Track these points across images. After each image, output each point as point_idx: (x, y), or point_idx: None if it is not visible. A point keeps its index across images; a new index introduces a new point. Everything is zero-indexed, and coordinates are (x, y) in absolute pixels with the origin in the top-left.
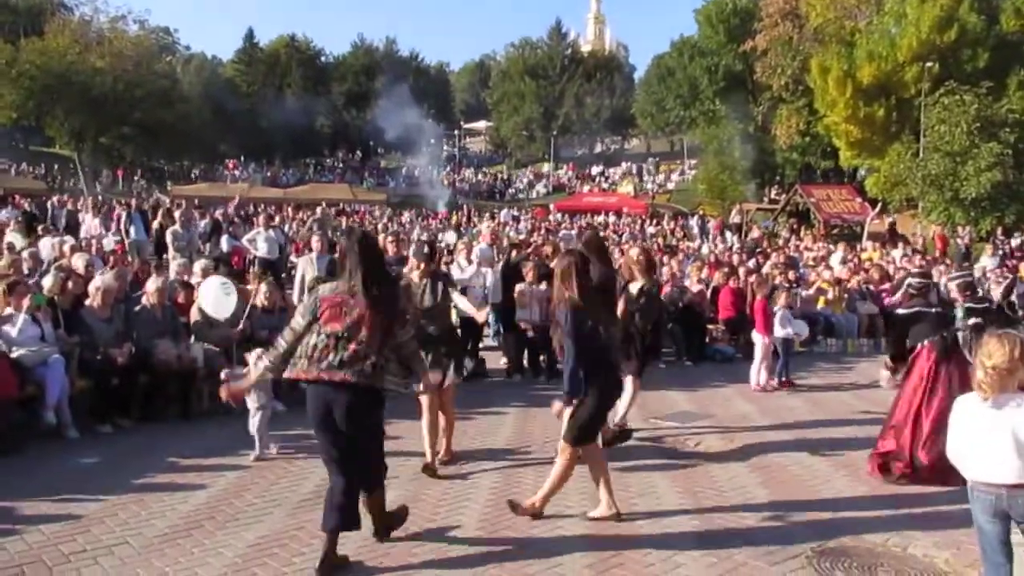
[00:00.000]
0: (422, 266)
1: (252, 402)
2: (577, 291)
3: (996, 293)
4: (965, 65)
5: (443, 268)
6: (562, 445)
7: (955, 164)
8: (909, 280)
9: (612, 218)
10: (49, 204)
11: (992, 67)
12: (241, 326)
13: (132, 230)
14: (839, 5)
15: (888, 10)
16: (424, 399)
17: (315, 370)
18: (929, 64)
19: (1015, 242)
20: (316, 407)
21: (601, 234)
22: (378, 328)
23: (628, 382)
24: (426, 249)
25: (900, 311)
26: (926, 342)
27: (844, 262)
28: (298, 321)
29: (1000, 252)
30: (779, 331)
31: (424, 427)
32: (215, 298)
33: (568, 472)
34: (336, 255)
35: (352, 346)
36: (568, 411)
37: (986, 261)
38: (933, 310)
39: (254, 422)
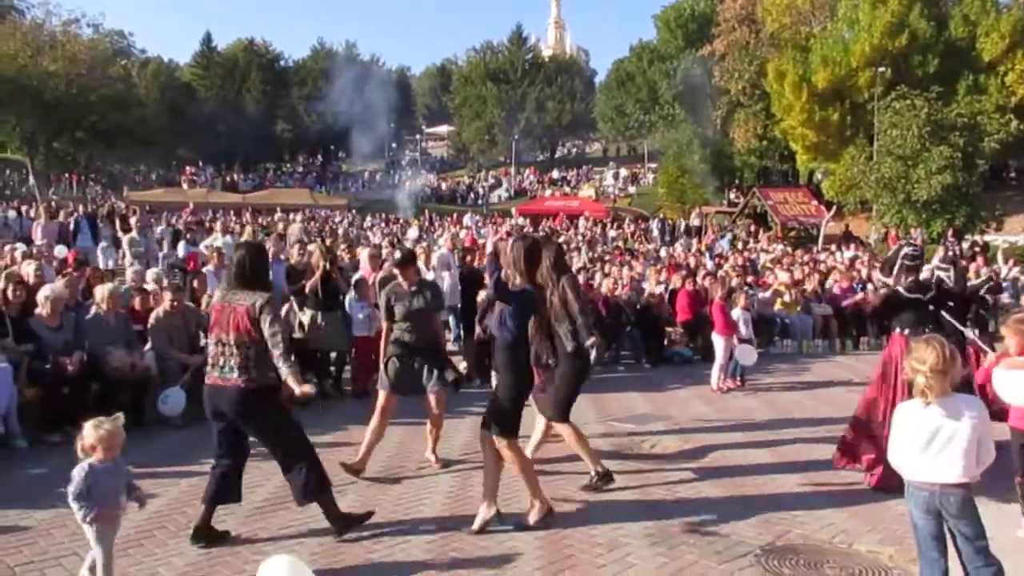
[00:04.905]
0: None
1: None
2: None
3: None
4: (916, 70)
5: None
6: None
7: (907, 167)
8: (904, 251)
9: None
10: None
11: (941, 72)
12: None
13: (79, 237)
14: (794, 11)
15: (841, 16)
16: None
17: None
18: (881, 69)
19: (965, 244)
20: None
21: (562, 238)
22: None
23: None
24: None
25: (902, 291)
26: (906, 331)
27: (799, 264)
28: None
29: (951, 253)
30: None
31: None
32: None
33: (518, 463)
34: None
35: None
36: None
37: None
38: (925, 296)
39: None
